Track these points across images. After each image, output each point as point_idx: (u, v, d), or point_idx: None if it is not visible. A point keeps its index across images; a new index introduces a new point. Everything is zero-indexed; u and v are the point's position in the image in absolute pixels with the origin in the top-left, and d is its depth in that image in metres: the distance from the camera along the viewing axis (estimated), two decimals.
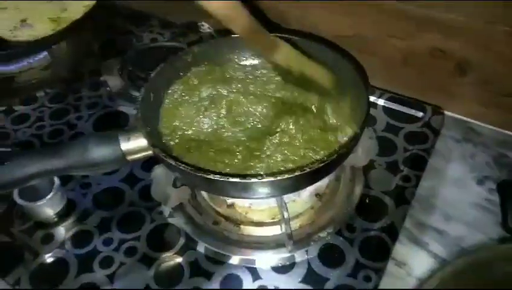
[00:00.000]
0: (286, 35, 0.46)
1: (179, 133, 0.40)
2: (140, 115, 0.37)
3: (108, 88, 0.60)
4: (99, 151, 0.34)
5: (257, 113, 0.41)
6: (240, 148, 0.38)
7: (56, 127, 0.55)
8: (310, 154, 0.36)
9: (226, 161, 0.36)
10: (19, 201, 0.42)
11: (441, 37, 0.52)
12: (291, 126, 0.39)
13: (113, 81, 0.60)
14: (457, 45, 0.52)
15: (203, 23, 0.77)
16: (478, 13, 0.48)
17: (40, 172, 0.33)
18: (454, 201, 0.46)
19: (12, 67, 0.59)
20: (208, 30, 0.76)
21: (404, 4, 0.53)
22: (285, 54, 0.42)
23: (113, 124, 0.55)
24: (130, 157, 0.36)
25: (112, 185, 0.48)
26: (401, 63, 0.58)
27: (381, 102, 0.58)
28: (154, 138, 0.37)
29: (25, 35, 0.56)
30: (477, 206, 0.46)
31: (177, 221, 0.44)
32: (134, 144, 0.35)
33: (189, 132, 0.40)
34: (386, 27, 0.56)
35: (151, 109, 0.41)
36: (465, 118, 0.55)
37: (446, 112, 0.56)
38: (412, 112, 0.56)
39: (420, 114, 0.55)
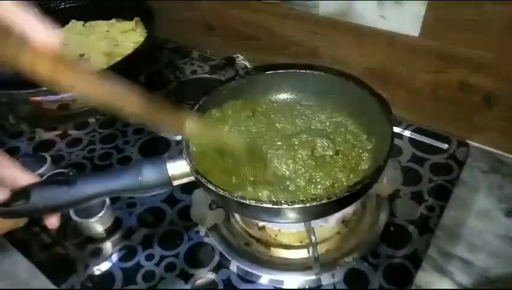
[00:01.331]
0: (308, 71, 0.50)
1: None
2: (185, 144, 0.42)
3: None
4: (149, 176, 0.39)
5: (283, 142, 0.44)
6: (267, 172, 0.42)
7: (106, 151, 0.61)
8: (336, 183, 0.39)
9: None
10: (74, 217, 0.47)
11: (468, 72, 0.55)
12: (316, 152, 0.42)
13: None
14: (484, 79, 0.54)
15: (238, 55, 0.83)
16: (504, 49, 0.51)
17: (99, 193, 0.38)
18: (481, 232, 0.47)
19: (68, 96, 0.66)
20: (243, 62, 0.82)
21: (431, 41, 0.56)
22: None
23: (156, 149, 0.61)
24: (175, 182, 0.40)
25: (154, 205, 0.53)
26: (428, 96, 0.60)
27: (407, 133, 0.60)
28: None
29: None
30: (504, 237, 0.47)
31: (212, 241, 0.48)
32: (179, 170, 0.40)
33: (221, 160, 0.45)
34: (415, 62, 0.59)
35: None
36: (492, 150, 0.57)
37: (473, 143, 0.58)
38: (438, 143, 0.58)
39: (445, 146, 0.57)
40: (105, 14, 0.75)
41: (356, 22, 0.62)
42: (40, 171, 0.52)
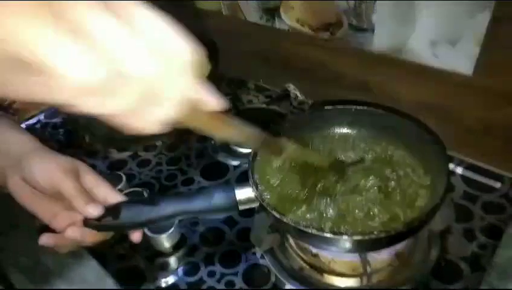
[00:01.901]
0: (366, 108, 0.53)
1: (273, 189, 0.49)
2: (251, 174, 0.46)
3: (213, 141, 0.71)
4: (220, 200, 0.44)
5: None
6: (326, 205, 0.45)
7: (171, 172, 0.67)
8: (393, 217, 0.42)
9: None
10: (148, 233, 0.52)
11: None
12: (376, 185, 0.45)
13: None
14: None
15: (289, 85, 0.88)
16: None
17: (177, 213, 0.43)
18: None
19: None
20: (294, 92, 0.87)
21: (485, 79, 0.58)
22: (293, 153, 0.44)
23: (216, 173, 0.66)
24: (241, 207, 0.44)
25: (215, 225, 0.57)
26: (480, 133, 0.62)
27: (459, 170, 0.61)
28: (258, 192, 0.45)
29: None
30: None
31: (268, 263, 0.52)
32: (246, 196, 0.44)
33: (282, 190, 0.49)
34: (467, 100, 0.61)
35: (254, 168, 0.50)
36: None
37: None
38: (490, 181, 0.59)
39: (498, 184, 0.58)
40: None
41: (409, 60, 0.65)
42: (117, 188, 0.58)
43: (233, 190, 0.44)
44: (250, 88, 0.86)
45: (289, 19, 0.82)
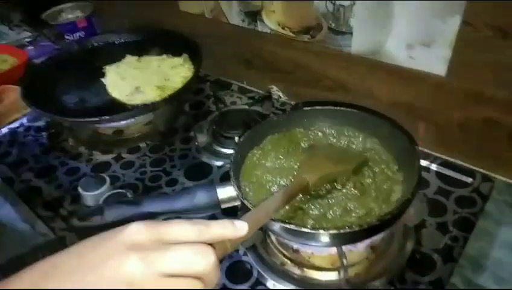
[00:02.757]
0: (342, 108, 0.55)
1: (255, 187, 0.50)
2: (232, 173, 0.48)
3: (196, 143, 0.73)
4: (202, 199, 0.45)
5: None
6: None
7: (155, 173, 0.68)
8: (369, 212, 0.44)
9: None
10: None
11: (493, 110, 0.59)
12: (350, 187, 0.47)
13: (201, 138, 0.73)
14: (510, 117, 0.57)
15: (272, 86, 0.90)
16: None
17: (161, 212, 0.44)
18: (507, 263, 0.50)
19: (122, 123, 0.74)
20: (277, 93, 0.89)
21: (458, 80, 0.60)
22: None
23: (200, 173, 0.67)
24: (223, 205, 0.46)
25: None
26: (454, 132, 0.64)
27: (433, 167, 0.64)
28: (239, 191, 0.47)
29: (137, 99, 0.71)
30: None
31: (250, 259, 0.53)
32: (228, 195, 0.46)
33: (265, 187, 0.50)
34: (441, 99, 0.63)
35: (236, 167, 0.51)
36: None
37: (499, 177, 0.61)
38: (463, 177, 0.61)
39: (470, 180, 0.61)
40: (156, 50, 0.84)
41: (386, 62, 0.67)
42: (101, 190, 0.59)
43: (215, 188, 0.46)
44: (234, 90, 0.88)
45: (270, 22, 0.84)
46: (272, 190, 0.49)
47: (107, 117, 0.64)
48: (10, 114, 0.91)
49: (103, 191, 0.59)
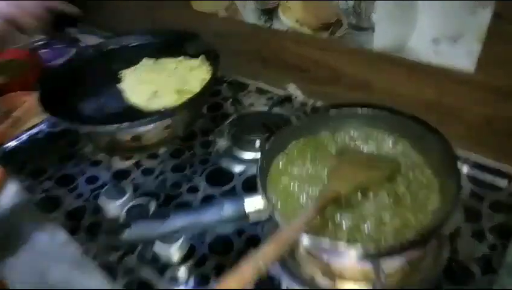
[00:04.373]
0: (371, 110, 0.53)
1: (283, 197, 0.48)
2: (260, 185, 0.46)
3: (215, 148, 0.71)
4: (229, 212, 0.44)
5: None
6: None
7: (176, 180, 0.66)
8: (405, 223, 0.42)
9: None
10: (156, 244, 0.52)
11: None
12: (384, 196, 0.45)
13: (221, 142, 0.71)
14: None
15: (290, 84, 0.88)
16: None
17: (186, 227, 0.43)
18: None
19: (141, 129, 0.72)
20: (294, 91, 0.86)
21: (487, 76, 0.57)
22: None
23: (221, 179, 0.65)
24: (252, 218, 0.44)
25: (223, 234, 0.57)
26: (484, 130, 0.61)
27: (464, 169, 0.61)
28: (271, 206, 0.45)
29: (156, 104, 0.69)
30: None
31: (279, 271, 0.51)
32: (256, 207, 0.44)
33: (293, 197, 0.48)
34: (469, 96, 0.61)
35: (263, 177, 0.49)
36: None
37: None
38: (497, 180, 0.58)
39: (504, 183, 0.58)
40: (172, 52, 0.82)
41: (410, 58, 0.64)
42: (123, 199, 0.58)
43: (243, 200, 0.44)
44: (251, 90, 0.86)
45: (288, 20, 0.82)
46: (301, 199, 0.47)
47: (127, 124, 0.63)
48: (28, 120, 0.90)
49: (125, 201, 0.58)
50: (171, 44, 0.83)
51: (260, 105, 0.80)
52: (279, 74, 0.87)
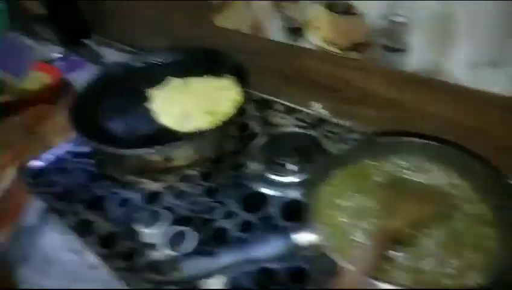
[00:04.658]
0: (420, 140, 0.52)
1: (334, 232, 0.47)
2: (309, 218, 0.45)
3: (247, 171, 0.70)
4: (279, 248, 0.43)
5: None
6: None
7: (210, 205, 0.65)
8: (465, 263, 0.41)
9: None
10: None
11: None
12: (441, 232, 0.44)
13: (253, 165, 0.70)
14: None
15: (313, 102, 0.87)
16: None
17: (236, 264, 0.42)
18: None
19: (172, 151, 0.71)
20: (318, 109, 0.86)
21: None
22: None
23: (256, 204, 0.64)
24: (303, 253, 0.43)
25: (266, 265, 0.54)
26: None
27: None
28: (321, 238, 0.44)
29: (189, 126, 0.68)
30: None
31: None
32: (307, 241, 0.43)
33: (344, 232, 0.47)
34: (510, 121, 0.60)
35: (310, 210, 0.48)
36: None
37: None
38: None
39: None
40: (199, 71, 0.81)
41: (446, 81, 0.63)
42: (159, 225, 0.57)
43: (290, 236, 0.43)
44: (278, 109, 0.85)
45: (316, 39, 0.81)
46: (354, 235, 0.46)
47: (161, 147, 0.62)
48: (52, 137, 0.90)
49: (161, 226, 0.57)
50: (198, 62, 0.82)
51: (288, 124, 0.79)
52: (302, 93, 0.87)
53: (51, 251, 0.67)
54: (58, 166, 0.77)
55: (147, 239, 0.58)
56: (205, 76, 0.80)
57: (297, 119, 0.81)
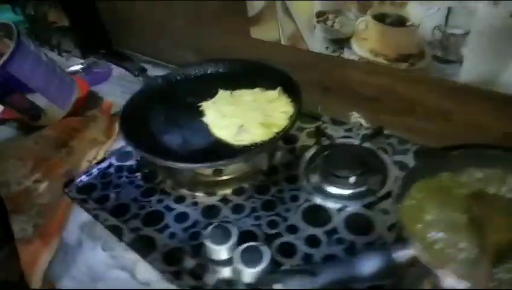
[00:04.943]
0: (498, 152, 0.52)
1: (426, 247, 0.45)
2: (404, 233, 0.44)
3: (303, 182, 0.69)
4: (379, 265, 0.42)
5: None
6: None
7: (271, 219, 0.64)
8: None
9: None
10: None
11: None
12: None
13: (313, 178, 0.69)
14: None
15: (353, 113, 0.87)
16: None
17: (339, 281, 0.41)
18: None
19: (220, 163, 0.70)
20: (358, 119, 0.86)
21: None
22: None
23: (319, 218, 0.63)
24: (400, 271, 0.42)
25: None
26: None
27: None
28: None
29: (245, 139, 0.67)
30: None
31: None
32: (407, 257, 0.42)
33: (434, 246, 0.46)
34: None
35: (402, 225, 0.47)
36: None
37: None
38: None
39: None
40: (245, 83, 0.81)
41: (502, 92, 0.63)
42: (230, 243, 0.56)
43: (391, 252, 0.42)
44: (325, 121, 0.84)
45: (361, 50, 0.81)
46: (451, 249, 0.45)
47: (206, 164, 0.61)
48: (87, 149, 0.88)
49: (232, 244, 0.56)
50: (243, 75, 0.82)
51: (338, 136, 0.79)
52: (342, 103, 0.86)
53: (98, 267, 0.65)
54: (105, 180, 0.75)
55: (214, 255, 0.57)
56: (253, 89, 0.79)
57: (347, 130, 0.81)
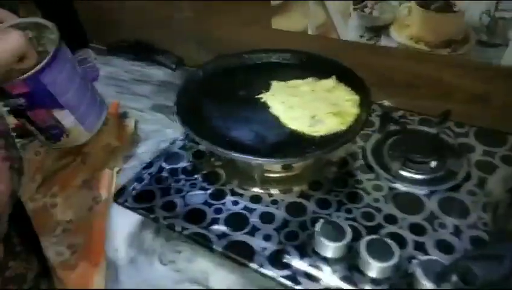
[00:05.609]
0: None
1: None
2: None
3: (380, 170, 0.67)
4: None
5: None
6: None
7: (364, 210, 0.61)
8: None
9: None
10: None
11: None
12: None
13: (394, 166, 0.67)
14: None
15: (384, 101, 0.87)
16: None
17: None
18: None
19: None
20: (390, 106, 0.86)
21: None
22: None
23: (412, 205, 0.61)
24: None
25: None
26: None
27: None
28: None
29: (321, 130, 0.64)
30: None
31: None
32: None
33: None
34: None
35: None
36: None
37: None
38: None
39: None
40: (296, 73, 0.77)
41: None
42: (345, 241, 0.52)
43: None
44: (375, 110, 0.83)
45: (401, 37, 0.82)
46: None
47: (318, 152, 0.57)
48: (112, 153, 0.78)
49: (347, 241, 0.52)
50: (295, 65, 0.78)
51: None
52: (376, 91, 0.86)
53: (163, 283, 0.57)
54: (162, 185, 0.66)
55: (329, 253, 0.52)
56: (306, 79, 0.75)
57: (401, 117, 0.80)
